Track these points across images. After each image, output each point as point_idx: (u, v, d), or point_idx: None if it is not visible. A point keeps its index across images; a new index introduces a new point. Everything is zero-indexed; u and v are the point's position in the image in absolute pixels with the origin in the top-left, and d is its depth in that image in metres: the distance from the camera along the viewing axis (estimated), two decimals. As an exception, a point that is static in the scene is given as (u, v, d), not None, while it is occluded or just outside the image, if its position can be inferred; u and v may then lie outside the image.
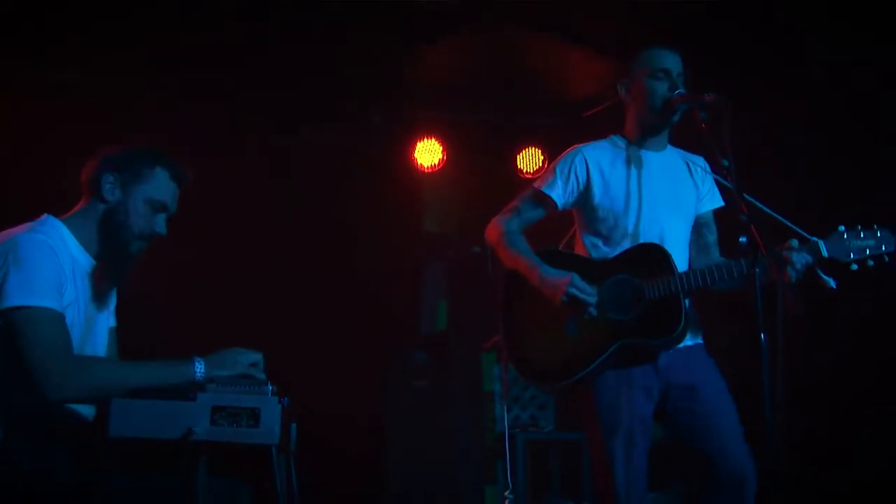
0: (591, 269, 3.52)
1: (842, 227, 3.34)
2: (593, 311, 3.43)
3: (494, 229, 3.72)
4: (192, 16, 5.01)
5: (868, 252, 3.30)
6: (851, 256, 3.31)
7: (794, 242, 3.31)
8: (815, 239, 3.34)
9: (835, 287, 3.32)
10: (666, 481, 5.04)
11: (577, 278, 3.42)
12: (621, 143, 3.70)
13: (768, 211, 3.39)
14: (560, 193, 3.64)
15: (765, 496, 2.92)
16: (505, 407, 5.60)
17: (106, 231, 2.96)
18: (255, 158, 6.07)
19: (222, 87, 5.77)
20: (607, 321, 3.44)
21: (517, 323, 3.65)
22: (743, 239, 3.15)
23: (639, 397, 3.45)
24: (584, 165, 3.64)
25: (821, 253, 3.31)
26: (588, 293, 3.42)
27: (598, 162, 3.65)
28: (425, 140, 6.42)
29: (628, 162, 3.63)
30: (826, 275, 3.33)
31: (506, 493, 4.95)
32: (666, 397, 3.52)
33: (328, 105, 6.17)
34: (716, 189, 3.77)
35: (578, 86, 6.04)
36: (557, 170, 3.67)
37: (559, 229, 3.90)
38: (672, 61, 3.58)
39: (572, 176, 3.64)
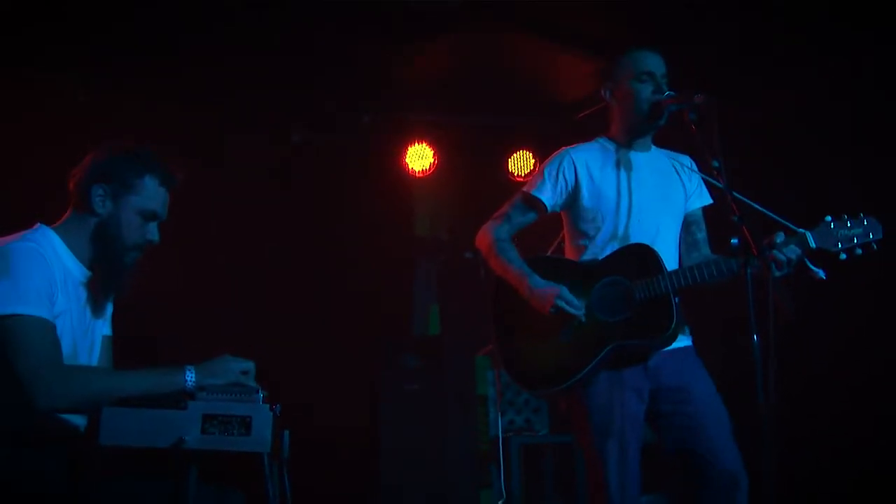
0: (580, 273, 3.53)
1: (828, 218, 3.32)
2: (582, 319, 3.43)
3: (484, 237, 3.72)
4: (184, 19, 5.01)
5: (856, 241, 3.29)
6: (839, 246, 3.29)
7: (781, 235, 3.30)
8: (802, 230, 3.33)
9: (824, 278, 3.30)
10: (658, 483, 5.03)
11: (565, 291, 3.43)
12: (609, 145, 3.70)
13: (755, 206, 3.37)
14: (549, 195, 3.64)
15: (759, 496, 2.91)
16: (499, 412, 5.59)
17: (99, 244, 2.95)
18: (246, 162, 6.05)
19: (213, 89, 5.76)
20: (599, 324, 3.45)
21: (509, 328, 3.65)
22: (734, 241, 3.15)
23: (630, 399, 3.45)
24: (573, 167, 3.64)
25: (809, 244, 3.30)
26: (575, 306, 3.43)
27: (587, 163, 3.64)
28: (416, 145, 6.42)
29: (617, 164, 3.63)
30: (815, 266, 3.32)
31: (499, 503, 4.95)
32: (656, 399, 3.51)
33: (319, 108, 6.16)
34: (703, 187, 3.76)
35: (570, 88, 6.05)
36: (546, 172, 3.67)
37: (550, 233, 3.90)
38: (655, 63, 3.57)
39: (561, 178, 3.64)
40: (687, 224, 3.73)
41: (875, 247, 3.30)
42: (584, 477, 5.38)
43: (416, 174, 6.43)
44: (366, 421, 5.93)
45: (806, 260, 3.31)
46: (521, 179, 6.37)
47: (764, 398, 2.84)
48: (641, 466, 3.44)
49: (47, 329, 2.74)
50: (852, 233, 3.29)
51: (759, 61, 5.35)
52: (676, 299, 3.40)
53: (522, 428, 6.08)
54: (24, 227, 2.95)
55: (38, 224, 2.96)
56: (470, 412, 6.08)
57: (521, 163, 6.56)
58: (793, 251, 3.28)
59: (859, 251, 3.29)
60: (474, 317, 5.24)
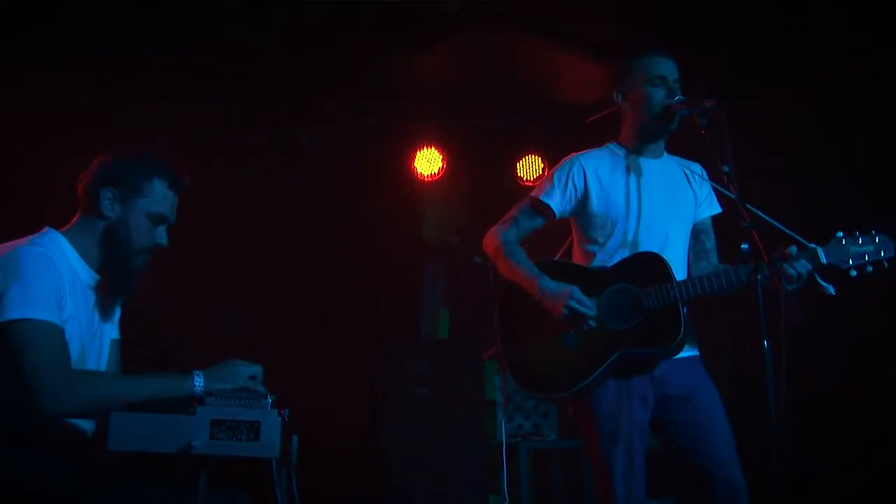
0: (589, 279, 3.52)
1: (840, 234, 3.34)
2: (592, 323, 3.43)
3: (492, 240, 3.71)
4: (184, 19, 4.98)
5: (867, 258, 3.31)
6: (850, 263, 3.32)
7: (793, 249, 3.31)
8: (813, 245, 3.34)
9: (834, 293, 3.32)
10: (661, 489, 5.02)
11: (577, 291, 3.43)
12: (619, 150, 3.69)
13: (767, 218, 3.38)
14: (558, 202, 3.63)
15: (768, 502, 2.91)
16: (504, 417, 5.57)
17: (108, 247, 2.94)
18: (255, 166, 6.03)
19: (222, 93, 5.74)
20: (606, 331, 3.44)
21: (516, 333, 3.64)
22: (745, 246, 3.14)
23: (636, 406, 3.46)
24: (582, 173, 3.63)
25: (820, 260, 3.32)
26: (588, 306, 3.42)
27: (596, 170, 3.64)
28: (425, 149, 6.40)
29: (627, 170, 3.63)
30: (825, 281, 3.33)
31: (503, 506, 4.94)
32: (660, 407, 3.52)
33: (323, 110, 6.14)
34: (713, 196, 3.76)
35: (579, 91, 6.02)
36: (555, 178, 3.66)
37: (557, 238, 3.89)
38: (667, 67, 3.58)
39: (570, 184, 3.63)
40: (696, 232, 3.72)
41: (886, 264, 3.32)
42: (591, 482, 5.39)
43: (425, 178, 6.42)
44: (373, 426, 5.91)
45: (816, 275, 3.33)
46: (530, 184, 6.34)
47: (774, 405, 2.84)
48: (646, 473, 3.45)
49: (56, 333, 2.73)
50: (864, 250, 3.31)
51: (759, 61, 5.35)
52: (685, 309, 3.40)
53: (531, 433, 6.03)
54: (24, 226, 2.95)
55: (47, 228, 2.95)
56: (478, 417, 6.05)
57: (529, 167, 6.52)
58: (803, 266, 3.29)
59: (870, 268, 3.31)
60: (483, 321, 5.23)
